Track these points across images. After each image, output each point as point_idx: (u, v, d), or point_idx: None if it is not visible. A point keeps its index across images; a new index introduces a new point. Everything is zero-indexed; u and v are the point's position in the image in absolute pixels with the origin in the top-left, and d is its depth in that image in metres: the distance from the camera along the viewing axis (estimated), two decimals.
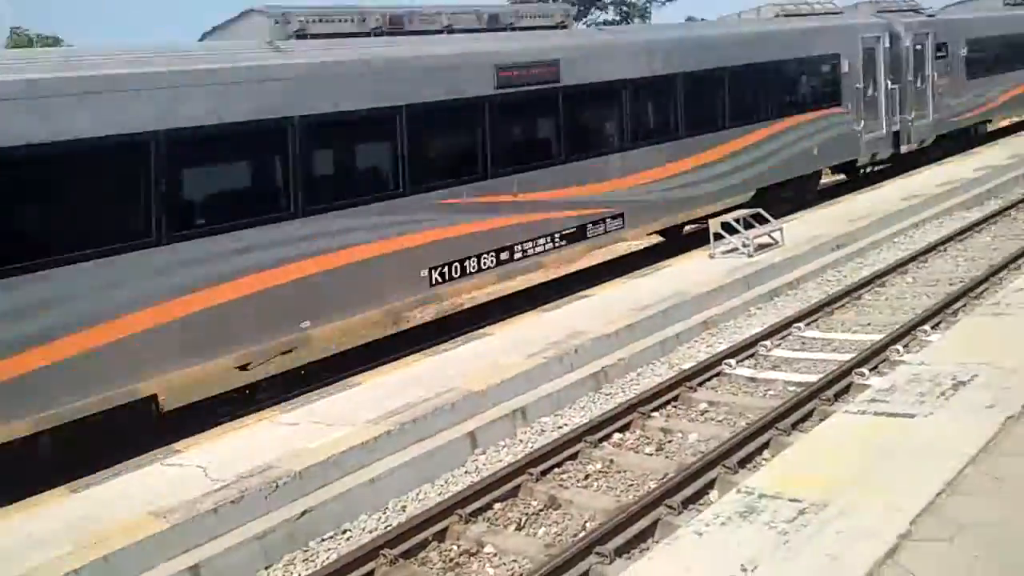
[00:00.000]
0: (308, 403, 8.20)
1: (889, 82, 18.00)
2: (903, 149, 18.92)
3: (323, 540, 6.17)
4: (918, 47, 19.46)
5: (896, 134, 18.52)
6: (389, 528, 6.14)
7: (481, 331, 10.45)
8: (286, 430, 7.48)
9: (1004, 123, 24.99)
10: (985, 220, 13.58)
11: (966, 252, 12.06)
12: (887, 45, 18.06)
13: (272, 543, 5.99)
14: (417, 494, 6.74)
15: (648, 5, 41.17)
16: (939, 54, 20.01)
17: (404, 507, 6.57)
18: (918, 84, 19.15)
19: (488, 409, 7.92)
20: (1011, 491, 4.22)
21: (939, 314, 8.95)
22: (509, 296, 14.33)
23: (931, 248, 12.20)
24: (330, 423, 7.53)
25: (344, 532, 6.27)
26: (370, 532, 6.22)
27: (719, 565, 4.19)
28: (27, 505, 6.46)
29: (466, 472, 7.06)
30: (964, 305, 9.22)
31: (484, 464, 7.19)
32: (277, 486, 6.32)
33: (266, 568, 5.88)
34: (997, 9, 24.73)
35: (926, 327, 8.58)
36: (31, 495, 6.61)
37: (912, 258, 11.76)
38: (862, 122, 17.18)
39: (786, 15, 17.68)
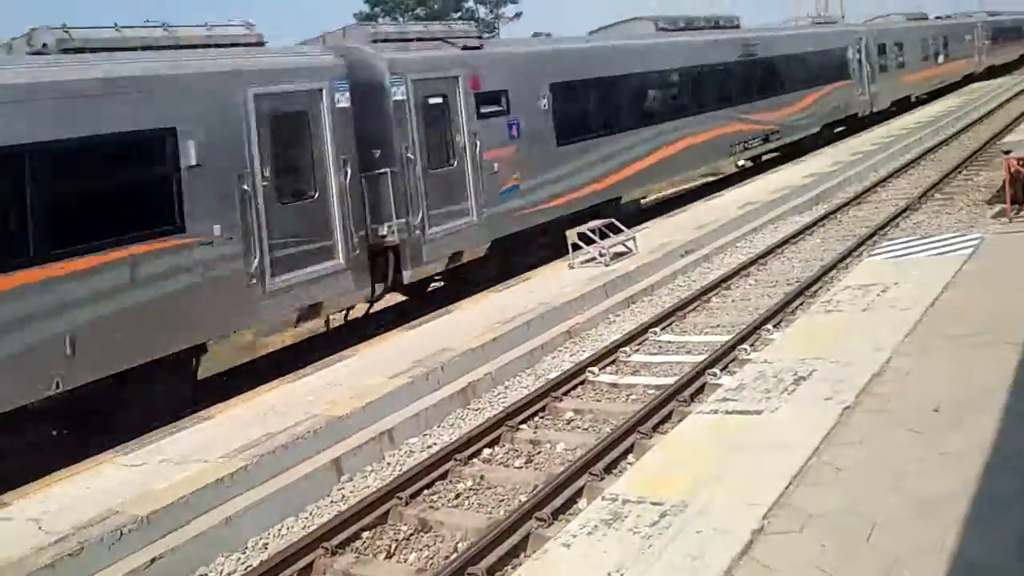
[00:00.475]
0: (154, 441, 7.64)
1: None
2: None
3: None
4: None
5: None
6: (249, 569, 5.80)
7: (341, 354, 10.15)
8: (130, 472, 6.92)
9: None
10: (815, 223, 14.69)
11: (800, 254, 12.99)
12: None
13: None
14: (279, 530, 6.41)
15: (496, 21, 41.93)
16: None
17: (266, 545, 6.23)
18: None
19: (353, 434, 7.68)
20: (851, 479, 4.53)
21: (779, 313, 9.56)
22: (374, 314, 14.06)
23: (769, 251, 13.05)
24: (179, 461, 7.04)
25: None
26: (228, 575, 5.85)
27: (587, 575, 4.25)
28: None
29: (332, 502, 6.80)
30: (801, 304, 9.90)
31: (351, 492, 6.94)
32: (122, 534, 5.82)
33: None
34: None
35: (769, 326, 9.13)
36: None
37: (752, 261, 12.52)
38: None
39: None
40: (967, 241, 9.30)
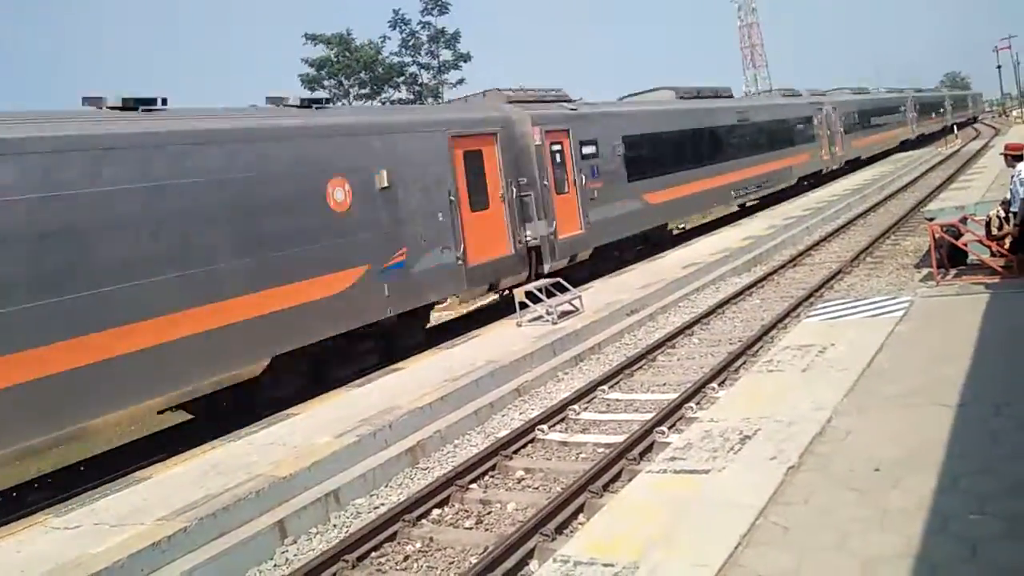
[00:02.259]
0: (89, 503, 7.36)
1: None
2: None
3: None
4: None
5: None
6: None
7: (286, 412, 9.98)
8: (62, 535, 6.63)
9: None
10: (753, 284, 15.17)
11: (740, 314, 13.37)
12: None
13: None
14: None
15: (440, 87, 42.78)
16: None
17: None
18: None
19: (297, 495, 7.52)
20: (798, 539, 4.62)
21: (723, 372, 9.79)
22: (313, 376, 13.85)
23: (711, 311, 13.40)
24: (116, 524, 6.79)
25: None
26: None
27: None
28: None
29: (275, 565, 6.61)
30: (743, 363, 10.16)
31: (295, 555, 6.77)
32: None
33: None
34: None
35: (714, 384, 9.33)
36: None
37: (696, 321, 12.83)
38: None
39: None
40: (898, 304, 9.73)
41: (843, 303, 10.87)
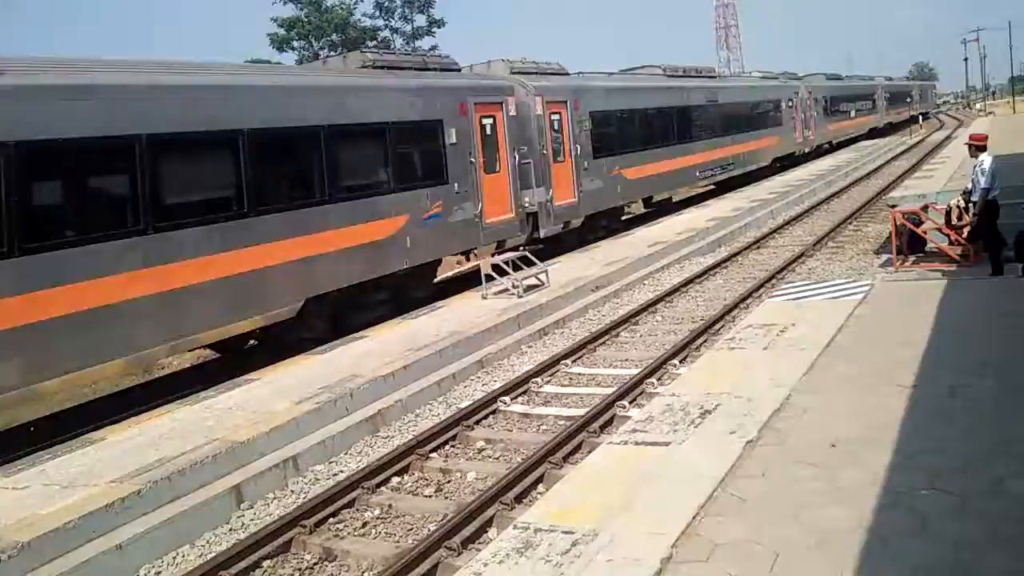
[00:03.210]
0: (39, 464, 7.19)
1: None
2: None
3: None
4: None
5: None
6: None
7: (246, 377, 9.84)
8: (11, 495, 6.48)
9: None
10: (718, 265, 15.31)
11: (704, 293, 13.49)
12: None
13: None
14: (174, 558, 6.11)
15: (411, 53, 42.29)
16: None
17: (158, 573, 5.93)
18: None
19: (255, 460, 7.43)
20: (754, 510, 4.69)
21: (685, 349, 9.87)
22: (277, 341, 13.67)
23: (675, 290, 13.50)
24: (67, 485, 6.64)
25: None
26: None
27: None
28: None
29: (231, 530, 6.54)
30: (705, 341, 10.26)
31: (251, 520, 6.69)
32: (0, 560, 5.40)
33: None
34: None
35: (675, 361, 9.41)
36: None
37: (660, 299, 12.92)
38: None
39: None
40: (858, 287, 9.89)
41: (805, 285, 11.03)
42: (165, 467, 6.87)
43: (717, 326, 10.84)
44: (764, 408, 6.22)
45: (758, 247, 17.09)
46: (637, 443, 6.10)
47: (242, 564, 5.77)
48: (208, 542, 6.36)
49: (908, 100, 60.28)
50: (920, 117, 56.90)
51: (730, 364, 7.54)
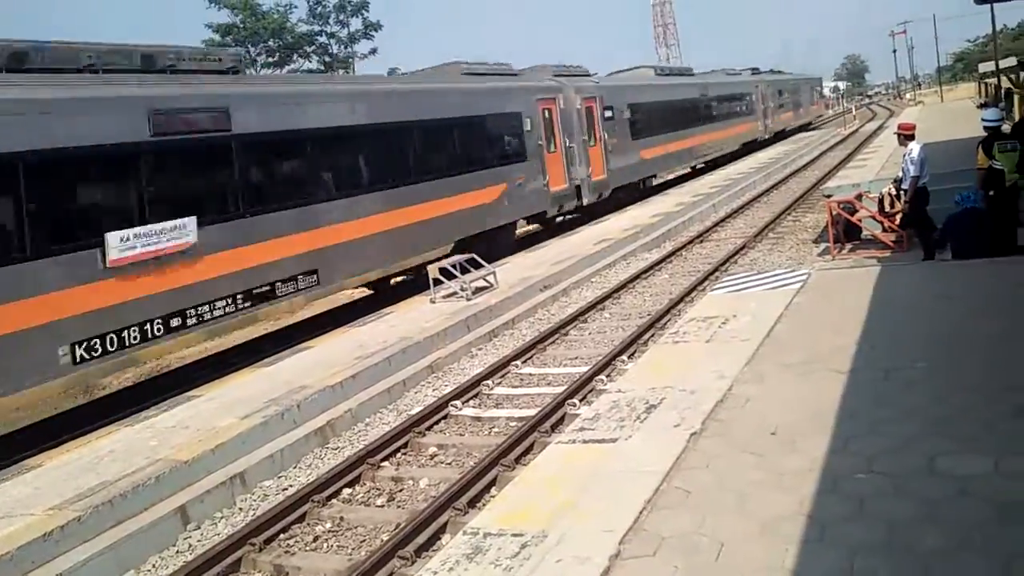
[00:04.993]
0: None
1: None
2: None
3: None
4: None
5: None
6: None
7: (189, 393, 9.65)
8: None
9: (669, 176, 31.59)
10: (662, 260, 15.52)
11: (650, 288, 13.66)
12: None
13: None
14: None
15: (351, 58, 41.82)
16: None
17: None
18: None
19: (200, 479, 7.27)
20: (700, 502, 4.76)
21: (633, 345, 9.98)
22: (222, 353, 13.42)
23: (622, 286, 13.64)
24: (2, 515, 6.42)
25: None
26: None
27: None
28: None
29: (177, 552, 6.39)
30: (652, 335, 10.39)
31: (198, 540, 6.55)
32: None
33: None
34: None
35: (623, 357, 9.51)
36: None
37: (607, 296, 13.04)
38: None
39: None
40: (796, 277, 10.12)
41: (746, 277, 11.24)
42: (107, 491, 6.69)
43: (663, 320, 10.99)
44: (707, 400, 6.31)
45: (701, 241, 17.37)
46: (585, 441, 6.14)
47: None
48: (154, 566, 6.21)
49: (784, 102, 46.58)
50: (852, 108, 58.16)
51: (675, 358, 7.65)
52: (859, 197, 13.01)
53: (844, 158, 28.86)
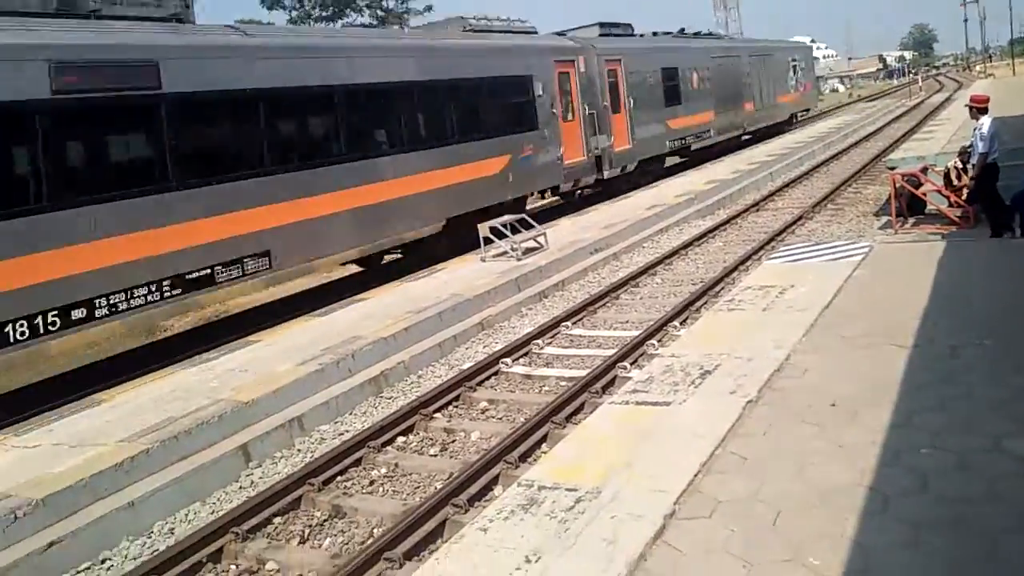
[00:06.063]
0: (47, 424, 7.27)
1: None
2: None
3: (78, 573, 5.51)
4: None
5: None
6: (156, 553, 5.61)
7: (247, 339, 9.91)
8: (22, 454, 6.57)
9: None
10: (716, 227, 15.32)
11: (703, 256, 13.52)
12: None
13: None
14: (186, 515, 6.23)
15: (406, 13, 41.46)
16: None
17: (172, 529, 6.04)
18: None
19: (261, 420, 7.52)
20: (756, 468, 4.78)
21: (685, 311, 9.94)
22: (276, 302, 13.73)
23: (674, 252, 13.52)
24: (76, 444, 6.73)
25: (103, 561, 5.66)
26: (133, 559, 5.66)
27: (505, 559, 4.32)
28: None
29: (240, 487, 6.64)
30: (705, 302, 10.32)
31: (260, 478, 6.80)
32: (16, 517, 5.52)
33: None
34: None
35: (675, 323, 9.48)
36: None
37: (659, 261, 12.95)
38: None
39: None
40: (857, 249, 9.93)
41: (804, 247, 11.06)
42: (172, 427, 6.95)
43: (716, 288, 10.90)
44: (764, 368, 6.29)
45: (757, 209, 17.09)
46: (638, 403, 6.19)
47: (253, 520, 5.88)
48: (219, 499, 6.47)
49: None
50: (919, 79, 52.93)
51: (730, 325, 7.61)
52: (924, 170, 12.63)
53: (909, 130, 27.94)
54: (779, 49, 34.45)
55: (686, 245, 13.97)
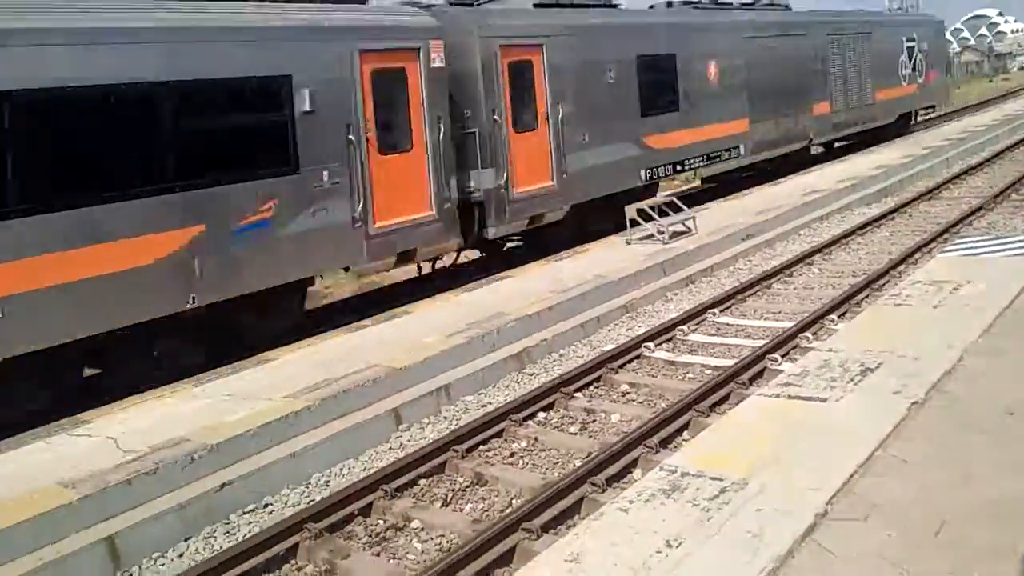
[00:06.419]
0: (221, 378, 7.95)
1: None
2: None
3: (244, 513, 6.03)
4: None
5: None
6: (313, 502, 6.04)
7: (401, 309, 10.35)
8: (199, 404, 7.23)
9: None
10: (883, 216, 14.36)
11: (867, 246, 12.73)
12: None
13: (191, 515, 5.84)
14: (340, 469, 6.66)
15: None
16: None
17: (327, 482, 6.48)
18: None
19: (410, 387, 7.86)
20: (919, 474, 4.49)
21: (844, 304, 9.42)
22: (427, 277, 14.23)
23: (835, 241, 12.82)
24: (246, 398, 7.32)
25: (266, 506, 6.15)
26: (293, 506, 6.12)
27: (645, 540, 4.30)
28: None
29: (390, 448, 7.01)
30: (867, 296, 9.74)
31: (408, 441, 7.14)
32: (193, 458, 6.11)
33: (185, 540, 5.71)
34: None
35: (833, 316, 9.02)
36: None
37: (817, 250, 12.33)
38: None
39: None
40: None
41: (983, 240, 10.19)
42: (331, 387, 7.42)
43: (881, 281, 10.24)
44: (933, 369, 5.87)
45: (930, 198, 15.86)
46: (791, 396, 5.94)
47: (401, 480, 6.19)
48: (370, 457, 6.87)
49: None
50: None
51: (895, 321, 7.14)
52: None
53: None
54: (883, 24, 24.87)
55: (847, 234, 13.21)
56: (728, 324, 9.61)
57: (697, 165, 16.51)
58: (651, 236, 13.00)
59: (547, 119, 12.87)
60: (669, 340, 9.15)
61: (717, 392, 7.32)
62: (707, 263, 12.12)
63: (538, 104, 12.78)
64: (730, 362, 8.03)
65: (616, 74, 14.18)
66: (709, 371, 8.07)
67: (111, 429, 6.66)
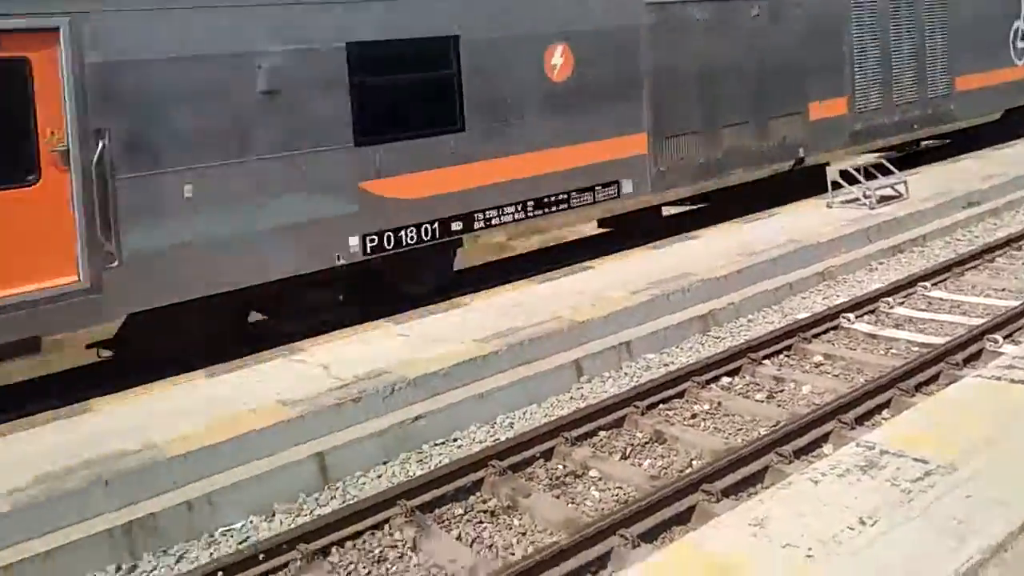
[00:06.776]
0: (418, 319, 8.44)
1: None
2: None
3: (436, 445, 6.44)
4: None
5: None
6: (498, 441, 6.34)
7: (586, 263, 10.42)
8: (399, 341, 7.74)
9: None
10: None
11: None
12: None
13: (389, 441, 6.31)
14: (524, 413, 6.90)
15: None
16: None
17: (512, 424, 6.75)
18: None
19: (593, 340, 7.95)
20: None
21: None
22: (613, 234, 14.19)
23: None
24: (440, 339, 7.74)
25: (455, 440, 6.52)
26: (479, 443, 6.44)
27: (835, 514, 4.11)
28: (167, 384, 7.00)
29: (571, 398, 7.16)
30: None
31: (589, 392, 7.26)
32: (393, 390, 6.60)
33: (384, 463, 6.20)
34: None
35: None
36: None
37: None
38: None
39: None
40: None
41: None
42: (517, 335, 7.66)
43: None
44: None
45: None
46: (1013, 380, 5.41)
47: (581, 429, 6.32)
48: (552, 405, 7.05)
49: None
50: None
51: None
52: None
53: None
54: None
55: None
56: (941, 299, 8.83)
57: (506, 219, 9.87)
58: (856, 200, 12.13)
59: (66, 160, 6.76)
60: (872, 312, 8.57)
61: (925, 371, 6.79)
62: (919, 231, 11.16)
63: (40, 135, 6.68)
64: (941, 340, 7.41)
65: (288, 77, 7.89)
66: (916, 348, 7.48)
67: (323, 358, 7.31)
